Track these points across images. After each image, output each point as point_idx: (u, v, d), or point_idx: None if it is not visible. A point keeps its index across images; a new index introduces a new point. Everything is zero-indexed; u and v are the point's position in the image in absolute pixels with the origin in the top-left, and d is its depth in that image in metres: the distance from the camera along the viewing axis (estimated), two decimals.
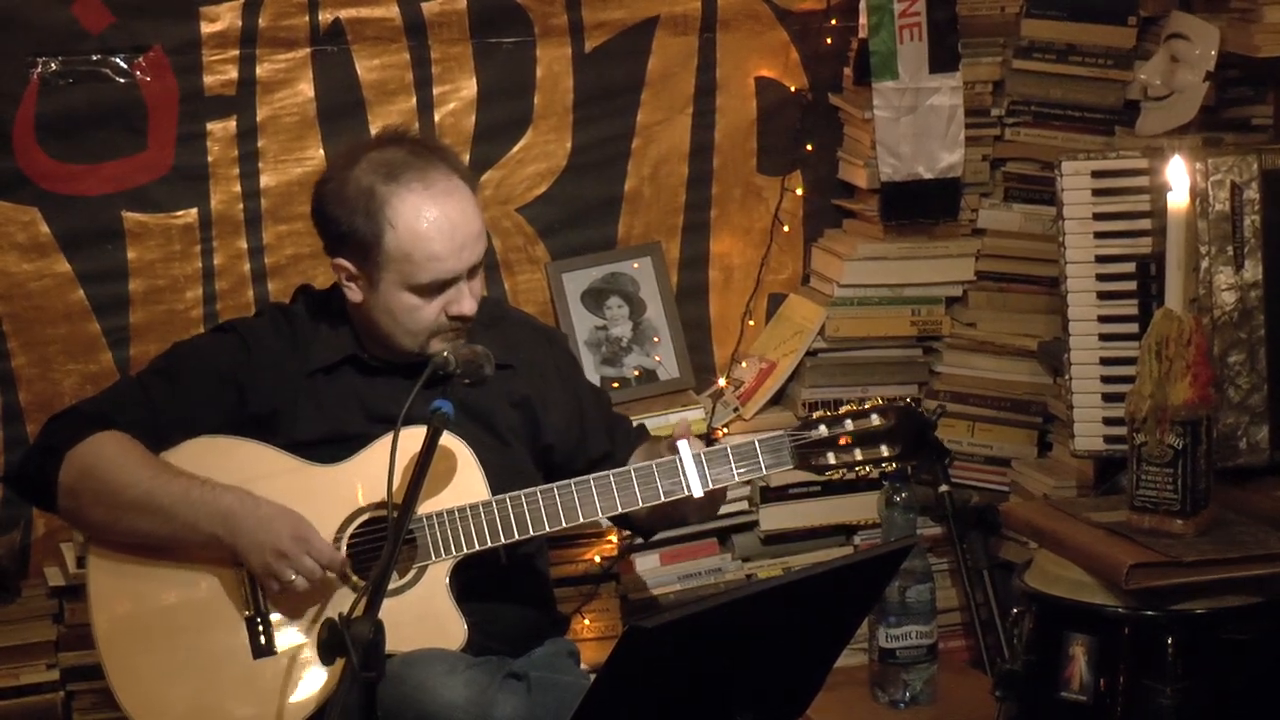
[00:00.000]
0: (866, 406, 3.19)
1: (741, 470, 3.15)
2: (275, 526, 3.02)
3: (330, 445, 3.15)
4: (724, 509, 4.10)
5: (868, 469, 3.17)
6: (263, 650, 3.08)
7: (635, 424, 3.51)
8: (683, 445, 3.13)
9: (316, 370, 3.21)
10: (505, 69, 4.07)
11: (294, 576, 3.03)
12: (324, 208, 3.15)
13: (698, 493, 3.12)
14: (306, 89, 3.95)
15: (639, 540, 3.73)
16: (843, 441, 3.17)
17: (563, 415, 3.32)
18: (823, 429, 3.16)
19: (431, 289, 3.11)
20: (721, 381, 4.26)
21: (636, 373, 4.17)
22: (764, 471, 3.16)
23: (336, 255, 3.15)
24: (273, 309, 3.36)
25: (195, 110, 3.89)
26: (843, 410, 3.18)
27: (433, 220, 3.09)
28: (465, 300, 3.14)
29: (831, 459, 3.15)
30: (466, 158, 3.96)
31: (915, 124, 4.11)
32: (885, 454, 3.17)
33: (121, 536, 3.09)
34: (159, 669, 3.07)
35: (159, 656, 3.08)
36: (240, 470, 3.09)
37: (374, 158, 3.14)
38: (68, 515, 3.16)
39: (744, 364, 4.27)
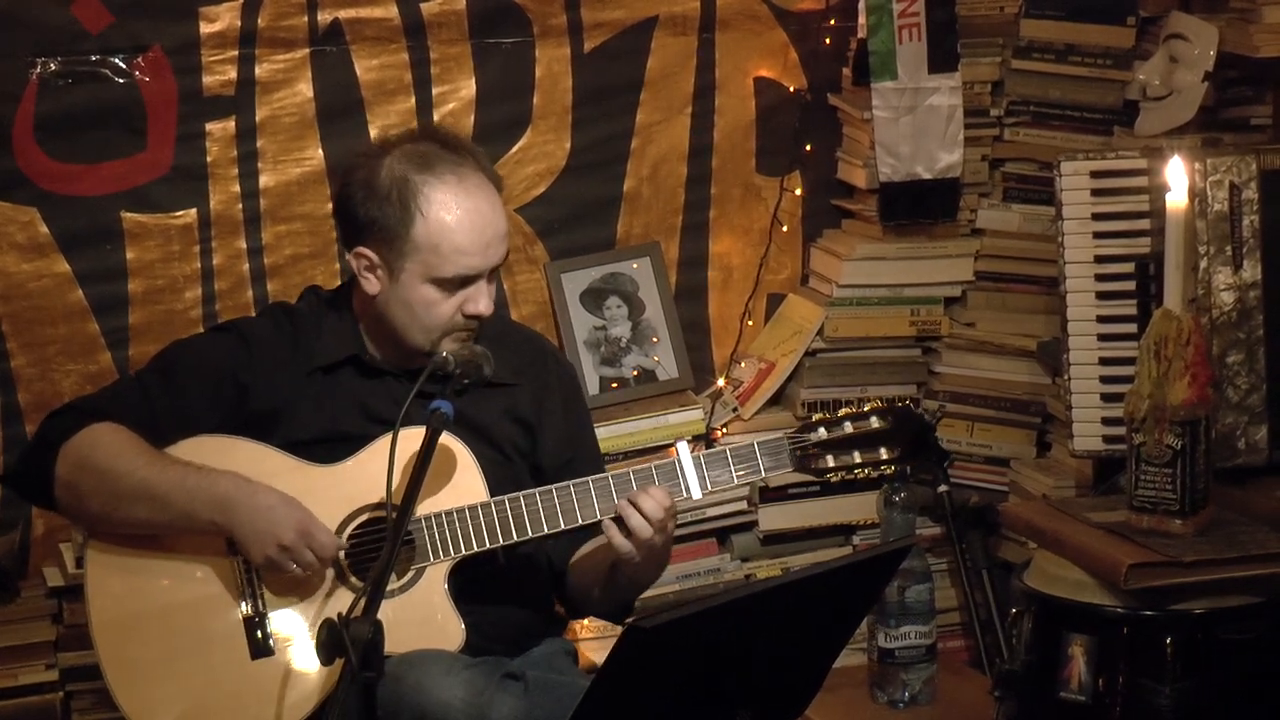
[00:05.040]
0: (866, 409, 3.18)
1: (740, 473, 3.14)
2: (278, 517, 3.02)
3: (328, 445, 3.14)
4: (723, 509, 4.12)
5: (867, 471, 3.17)
6: (261, 650, 3.08)
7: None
8: (682, 447, 3.13)
9: (316, 369, 3.21)
10: (504, 69, 4.07)
11: (294, 568, 3.03)
12: (351, 194, 3.14)
13: (697, 495, 3.12)
14: (305, 89, 3.95)
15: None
16: (839, 438, 3.16)
17: (558, 439, 3.32)
18: (822, 431, 3.15)
19: (453, 284, 3.11)
20: (720, 382, 4.27)
21: (635, 373, 4.17)
22: (763, 474, 3.16)
23: (358, 244, 3.14)
24: (274, 308, 3.35)
25: (194, 110, 3.89)
26: (842, 413, 3.18)
27: (463, 213, 3.10)
28: (483, 300, 3.14)
29: (830, 462, 3.15)
30: None
31: (914, 124, 4.11)
32: (884, 456, 3.16)
33: (119, 526, 3.09)
34: (156, 668, 3.07)
35: (156, 655, 3.07)
36: (239, 470, 3.08)
37: (407, 149, 3.14)
38: (66, 509, 3.15)
39: (743, 364, 4.27)
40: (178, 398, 3.16)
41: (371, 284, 3.15)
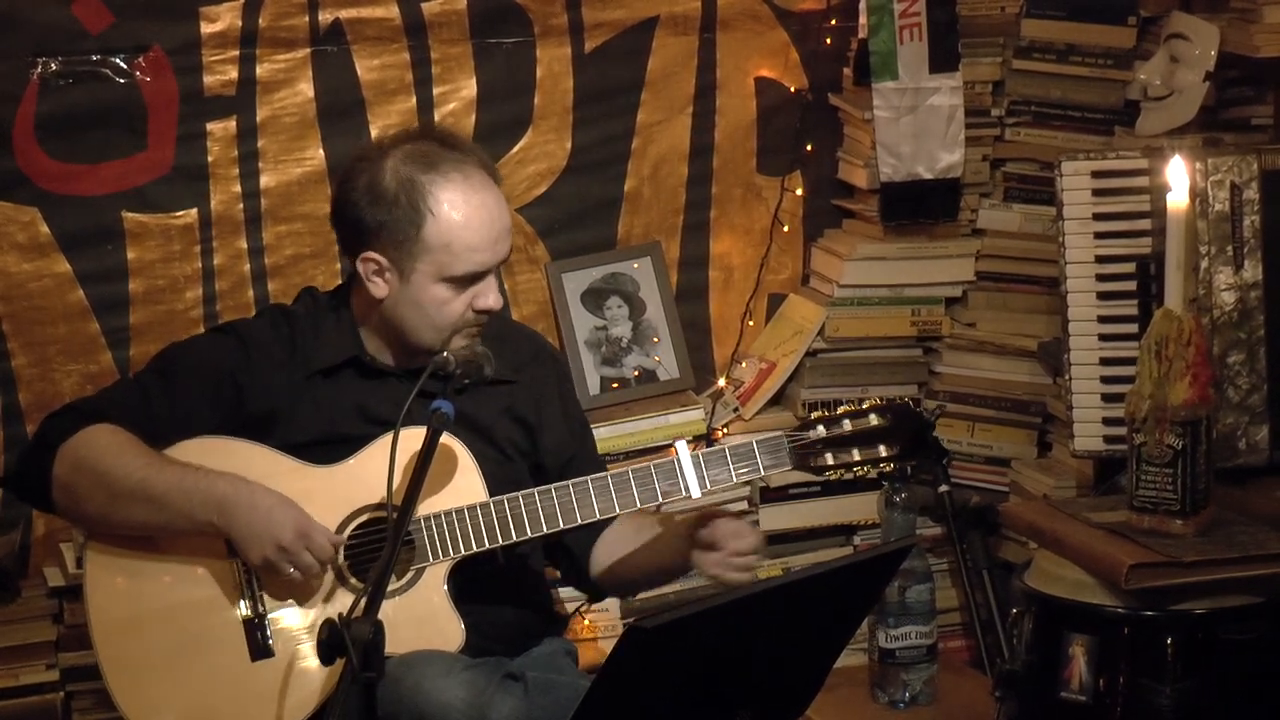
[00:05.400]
0: (865, 406, 3.18)
1: (740, 471, 3.14)
2: (276, 518, 3.02)
3: (327, 447, 3.14)
4: (725, 509, 4.11)
5: (866, 469, 3.17)
6: (261, 652, 3.08)
7: None
8: (681, 446, 3.13)
9: (316, 372, 3.21)
10: (505, 69, 4.07)
11: (292, 570, 3.03)
12: (355, 200, 3.12)
13: (696, 494, 3.12)
14: (306, 89, 3.95)
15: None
16: (838, 436, 3.17)
17: (558, 437, 3.32)
18: (820, 429, 3.16)
19: (464, 281, 3.11)
20: (721, 382, 4.27)
21: (636, 373, 4.17)
22: (762, 472, 3.16)
23: (365, 249, 3.13)
24: (272, 310, 3.35)
25: (195, 110, 3.89)
26: (841, 410, 3.18)
27: (472, 210, 3.10)
28: (492, 294, 3.15)
29: (830, 459, 3.15)
30: None
31: (915, 124, 4.11)
32: (884, 454, 3.16)
33: (117, 528, 3.09)
34: (156, 669, 3.07)
35: (156, 657, 3.07)
36: (238, 471, 3.08)
37: (408, 150, 3.13)
38: (64, 510, 3.15)
39: (744, 364, 4.27)
40: (176, 399, 3.16)
41: (379, 287, 3.14)
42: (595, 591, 3.44)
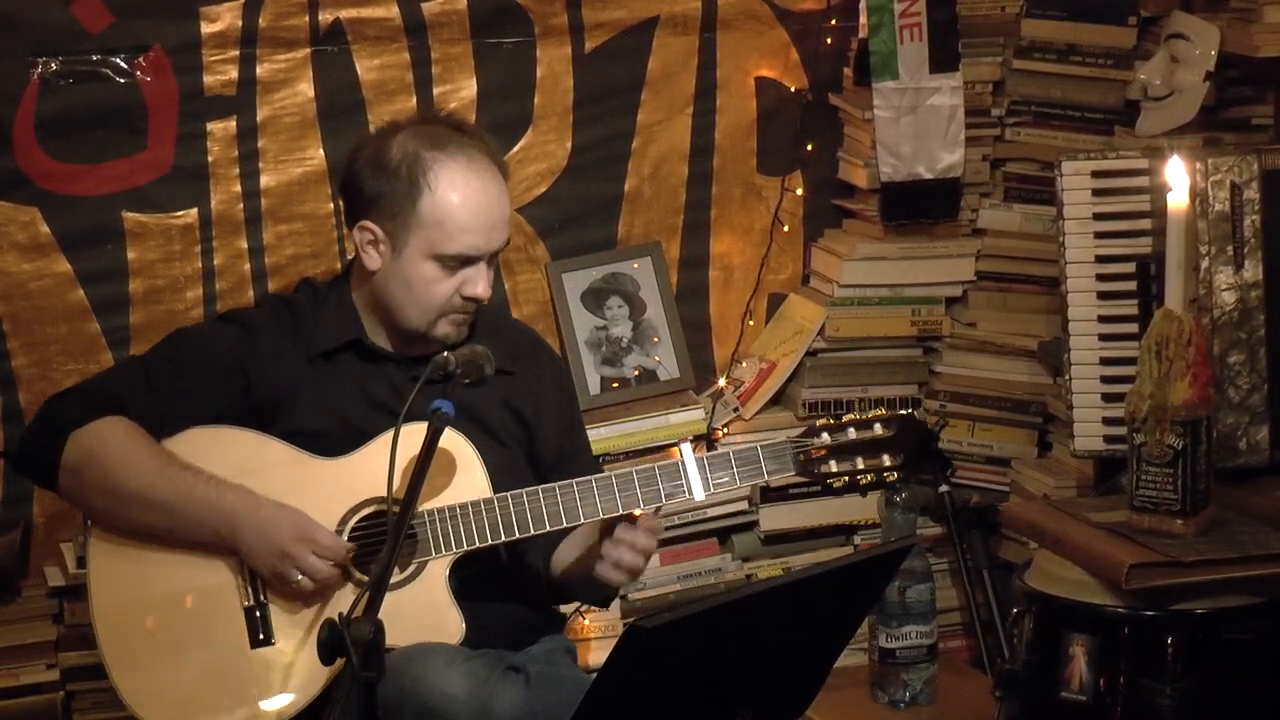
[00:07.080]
0: (870, 415, 3.18)
1: (743, 475, 3.15)
2: (278, 527, 3.02)
3: (332, 434, 3.15)
4: (724, 509, 4.12)
5: (870, 478, 3.17)
6: (260, 640, 3.08)
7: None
8: (685, 448, 3.14)
9: (318, 355, 3.21)
10: (505, 69, 4.07)
11: (300, 577, 3.03)
12: (358, 169, 3.16)
13: (699, 496, 3.13)
14: (306, 89, 3.95)
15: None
16: (842, 444, 3.17)
17: (554, 430, 3.33)
18: (825, 436, 3.16)
19: (454, 262, 3.13)
20: (721, 381, 4.27)
21: (636, 373, 4.17)
22: (766, 477, 3.17)
23: (363, 218, 3.16)
24: (273, 298, 3.37)
25: (195, 110, 3.89)
26: (846, 419, 3.18)
27: (471, 192, 3.12)
28: (482, 282, 3.16)
29: (834, 467, 3.15)
30: None
31: (915, 124, 4.11)
32: (888, 463, 3.17)
33: (121, 525, 3.09)
34: (157, 655, 3.07)
35: (157, 643, 3.08)
36: (242, 461, 3.09)
37: (419, 129, 3.18)
38: (69, 495, 3.16)
39: (744, 364, 4.27)
40: (183, 385, 3.17)
41: (373, 259, 3.17)
42: (550, 596, 3.38)
